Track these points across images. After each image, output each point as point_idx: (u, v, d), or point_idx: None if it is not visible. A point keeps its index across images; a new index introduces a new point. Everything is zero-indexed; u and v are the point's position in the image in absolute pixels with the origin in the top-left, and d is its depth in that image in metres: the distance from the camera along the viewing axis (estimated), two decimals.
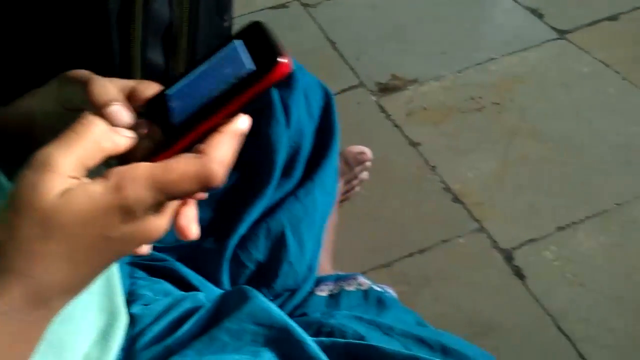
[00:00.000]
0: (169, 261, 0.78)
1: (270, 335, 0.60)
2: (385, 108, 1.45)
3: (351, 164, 1.16)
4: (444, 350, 0.62)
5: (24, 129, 0.47)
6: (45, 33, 0.80)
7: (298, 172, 0.88)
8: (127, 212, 0.34)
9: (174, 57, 0.91)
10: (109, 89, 0.41)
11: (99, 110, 0.38)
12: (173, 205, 0.37)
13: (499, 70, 1.54)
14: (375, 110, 1.45)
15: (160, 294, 0.71)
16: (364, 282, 0.80)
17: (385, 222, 1.18)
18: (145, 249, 0.40)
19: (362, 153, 1.20)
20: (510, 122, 1.38)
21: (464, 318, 1.01)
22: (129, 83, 0.43)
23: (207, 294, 0.72)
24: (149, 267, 0.76)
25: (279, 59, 0.35)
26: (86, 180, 0.34)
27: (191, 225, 0.39)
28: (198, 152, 0.35)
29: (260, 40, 0.37)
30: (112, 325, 0.62)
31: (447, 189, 1.23)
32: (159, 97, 0.40)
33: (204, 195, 0.40)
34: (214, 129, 0.37)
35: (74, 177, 0.34)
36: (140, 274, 0.75)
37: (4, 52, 0.73)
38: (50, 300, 0.35)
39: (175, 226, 0.39)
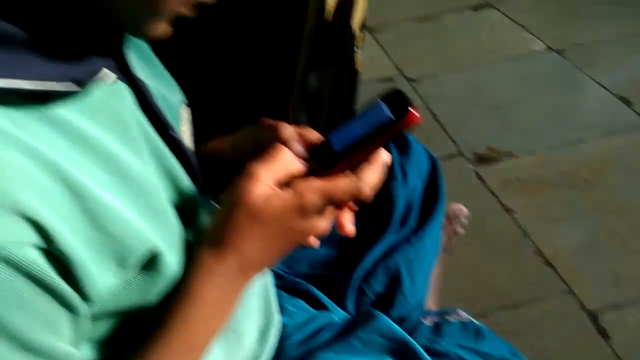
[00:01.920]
0: (304, 284, 0.94)
1: (393, 347, 0.74)
2: (482, 176, 1.59)
3: (451, 219, 1.31)
4: None
5: (223, 158, 0.66)
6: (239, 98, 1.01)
7: (412, 222, 1.03)
8: (304, 211, 0.49)
9: (316, 119, 1.11)
10: (291, 131, 0.59)
11: (285, 144, 0.56)
12: (332, 212, 0.52)
13: (589, 151, 1.66)
14: (473, 177, 1.60)
15: (299, 309, 0.87)
16: (464, 315, 0.93)
17: (483, 276, 1.31)
18: (314, 242, 0.55)
19: (460, 209, 1.35)
20: (599, 198, 1.49)
21: None
22: (297, 129, 0.61)
23: (336, 314, 0.88)
24: (289, 288, 0.93)
25: (411, 112, 0.51)
26: (276, 188, 0.50)
27: (348, 222, 0.55)
28: (355, 175, 0.52)
29: (397, 99, 0.54)
30: (269, 325, 0.78)
31: (539, 253, 1.35)
32: (324, 139, 0.57)
33: (355, 207, 0.56)
34: (364, 159, 0.52)
35: (270, 186, 0.49)
36: (283, 293, 0.91)
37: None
38: (250, 271, 0.50)
39: (337, 223, 0.54)
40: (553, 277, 1.29)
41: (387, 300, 0.96)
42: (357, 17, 1.14)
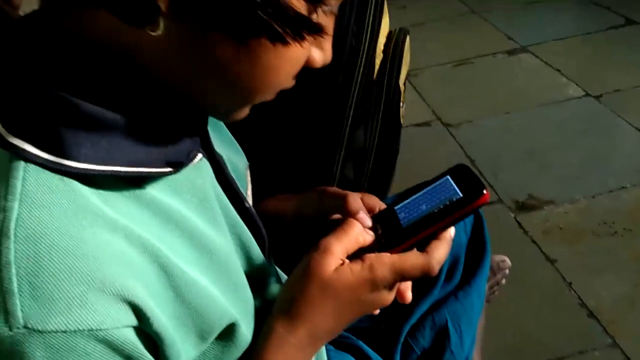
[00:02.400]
0: (351, 339, 0.96)
1: None
2: (522, 225, 1.60)
3: (494, 270, 1.32)
4: None
5: (284, 219, 0.69)
6: (288, 159, 1.05)
7: (457, 277, 1.05)
8: (374, 285, 0.52)
9: (361, 173, 1.14)
10: (358, 201, 0.62)
11: (353, 216, 0.58)
12: (397, 285, 0.55)
13: (631, 199, 1.66)
14: (513, 225, 1.60)
15: None
16: None
17: (525, 328, 1.30)
18: (377, 312, 0.58)
19: (503, 261, 1.36)
20: None
21: None
22: (358, 194, 0.64)
23: None
24: (337, 342, 0.94)
25: (485, 194, 0.53)
26: (347, 261, 0.53)
27: (408, 292, 0.58)
28: (424, 251, 0.54)
29: (465, 177, 0.56)
30: None
31: (582, 305, 1.35)
32: (389, 210, 0.60)
33: None
34: (432, 236, 0.55)
35: (342, 259, 0.53)
36: (331, 348, 0.93)
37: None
38: (319, 340, 0.54)
39: (397, 291, 0.56)
40: (597, 329, 1.29)
41: (433, 356, 0.97)
42: (403, 74, 1.18)
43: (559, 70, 2.39)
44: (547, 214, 1.63)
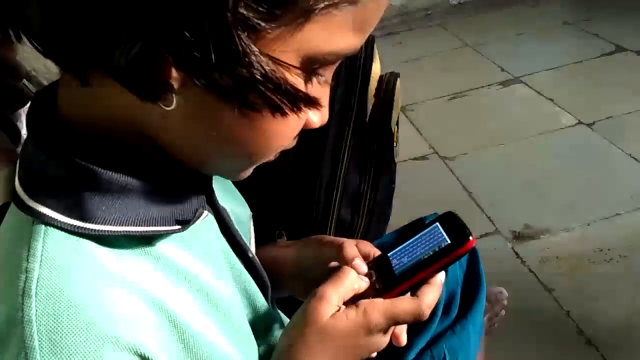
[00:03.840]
0: None
1: None
2: (520, 254, 1.64)
3: (492, 302, 1.35)
4: None
5: (284, 266, 0.73)
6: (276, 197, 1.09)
7: (454, 311, 1.08)
8: (369, 329, 0.55)
9: (358, 214, 1.18)
10: (354, 249, 0.66)
11: (348, 263, 0.62)
12: (391, 328, 0.59)
13: (626, 225, 1.69)
14: (511, 256, 1.64)
15: None
16: None
17: (524, 358, 1.33)
18: (373, 355, 0.61)
19: (500, 293, 1.39)
20: (637, 272, 1.51)
21: None
22: (353, 242, 0.68)
23: None
24: None
25: (471, 240, 0.57)
26: (343, 307, 0.57)
27: (403, 335, 0.61)
28: (415, 296, 0.58)
29: (453, 224, 0.60)
30: None
31: (581, 333, 1.37)
32: (383, 257, 0.64)
33: None
34: (423, 281, 0.59)
35: (338, 305, 0.56)
36: None
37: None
38: None
39: (392, 334, 0.60)
40: (595, 356, 1.31)
41: None
42: (394, 116, 1.23)
43: (551, 100, 2.44)
44: (543, 243, 1.66)
